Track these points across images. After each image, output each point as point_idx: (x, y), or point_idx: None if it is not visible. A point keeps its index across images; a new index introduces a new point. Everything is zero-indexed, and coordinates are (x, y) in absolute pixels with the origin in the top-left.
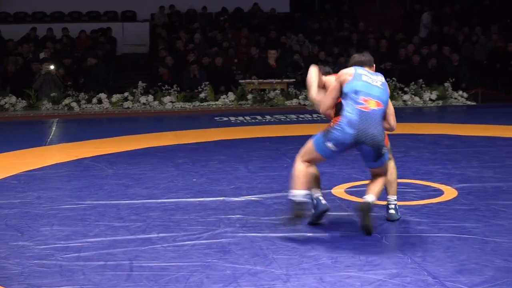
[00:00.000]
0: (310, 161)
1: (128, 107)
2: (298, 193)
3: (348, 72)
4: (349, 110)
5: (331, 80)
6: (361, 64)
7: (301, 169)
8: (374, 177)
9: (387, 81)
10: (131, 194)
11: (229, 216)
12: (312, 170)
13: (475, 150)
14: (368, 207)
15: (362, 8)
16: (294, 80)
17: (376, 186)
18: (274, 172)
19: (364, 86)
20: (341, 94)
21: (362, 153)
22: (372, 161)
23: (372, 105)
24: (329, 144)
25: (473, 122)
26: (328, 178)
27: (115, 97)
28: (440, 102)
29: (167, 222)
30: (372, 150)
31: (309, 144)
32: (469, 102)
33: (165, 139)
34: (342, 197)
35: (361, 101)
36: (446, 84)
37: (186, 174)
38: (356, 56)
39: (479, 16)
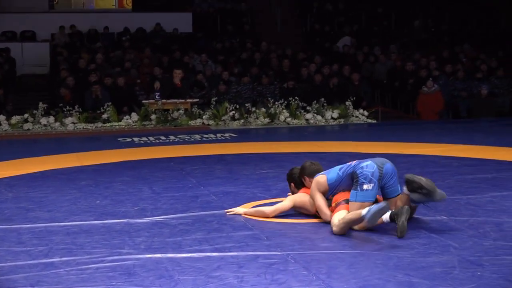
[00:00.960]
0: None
1: (29, 129)
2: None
3: (319, 181)
4: (350, 166)
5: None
6: (318, 171)
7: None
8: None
9: (289, 101)
10: (32, 218)
11: (133, 238)
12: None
13: None
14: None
15: (264, 28)
16: (198, 100)
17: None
18: (179, 193)
19: (338, 169)
20: (331, 191)
21: (389, 175)
22: (397, 183)
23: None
24: (365, 186)
25: (374, 140)
26: (233, 197)
27: (15, 119)
28: (342, 121)
29: (70, 246)
30: (394, 167)
31: (351, 205)
32: (369, 120)
33: (67, 161)
34: (248, 216)
35: (347, 165)
36: (347, 103)
37: (89, 196)
38: (309, 165)
39: (378, 36)
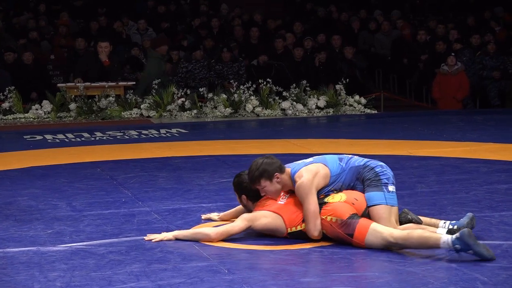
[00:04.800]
0: (396, 224)
1: None
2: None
3: (321, 174)
4: (359, 162)
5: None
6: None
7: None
8: None
9: (259, 84)
10: None
11: (46, 273)
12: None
13: None
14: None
15: None
16: (134, 83)
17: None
18: (108, 210)
19: (337, 159)
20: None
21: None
22: None
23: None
24: (391, 188)
25: (374, 137)
26: (182, 216)
27: None
28: (331, 111)
29: None
30: None
31: (379, 209)
32: (368, 110)
33: None
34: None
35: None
36: (338, 87)
37: None
38: (268, 162)
39: None
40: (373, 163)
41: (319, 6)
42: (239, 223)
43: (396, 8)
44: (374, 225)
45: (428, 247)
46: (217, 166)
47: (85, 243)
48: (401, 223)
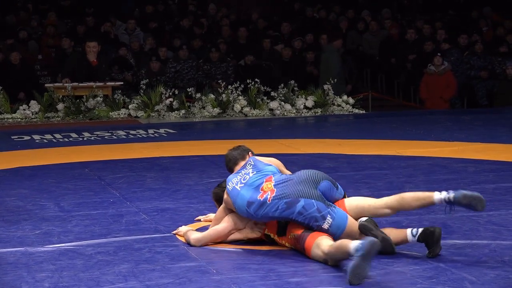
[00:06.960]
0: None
1: None
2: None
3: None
4: (273, 213)
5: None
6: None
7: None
8: None
9: (248, 84)
10: None
11: (34, 273)
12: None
13: (365, 174)
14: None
15: None
16: (122, 83)
17: None
18: (96, 211)
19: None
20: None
21: None
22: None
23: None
24: (325, 226)
25: (362, 137)
26: (170, 216)
27: None
28: (319, 111)
29: None
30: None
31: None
32: (356, 110)
33: None
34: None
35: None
36: (326, 87)
37: None
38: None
39: None
40: (289, 212)
41: (307, 6)
42: (223, 224)
43: (384, 8)
44: (319, 239)
45: (343, 256)
46: (205, 166)
47: (73, 243)
48: None
